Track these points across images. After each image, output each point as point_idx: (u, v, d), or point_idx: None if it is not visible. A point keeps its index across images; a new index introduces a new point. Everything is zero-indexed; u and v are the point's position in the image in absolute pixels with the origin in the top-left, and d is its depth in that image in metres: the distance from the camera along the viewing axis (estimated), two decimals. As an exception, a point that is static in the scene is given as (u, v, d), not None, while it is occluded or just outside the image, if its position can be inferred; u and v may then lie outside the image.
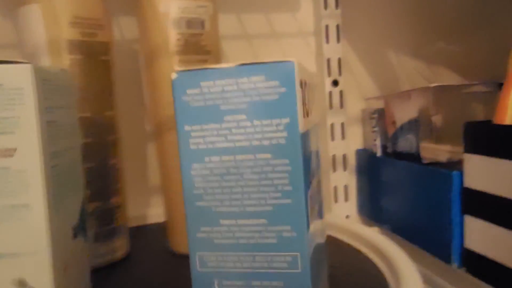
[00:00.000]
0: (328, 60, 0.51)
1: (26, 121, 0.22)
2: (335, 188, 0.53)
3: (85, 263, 0.28)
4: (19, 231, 0.23)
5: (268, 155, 0.18)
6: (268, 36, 0.52)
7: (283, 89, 0.18)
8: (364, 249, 0.34)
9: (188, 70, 0.19)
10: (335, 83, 0.51)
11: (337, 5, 0.50)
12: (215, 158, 0.19)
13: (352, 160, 0.56)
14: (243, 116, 0.19)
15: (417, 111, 0.43)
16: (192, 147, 0.19)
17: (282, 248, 0.18)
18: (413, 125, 0.44)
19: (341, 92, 0.51)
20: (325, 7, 0.50)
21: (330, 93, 0.51)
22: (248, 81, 0.18)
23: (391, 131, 0.48)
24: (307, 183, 0.19)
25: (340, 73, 0.51)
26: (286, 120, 0.18)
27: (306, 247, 0.18)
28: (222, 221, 0.19)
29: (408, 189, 0.44)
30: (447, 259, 0.37)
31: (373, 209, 0.52)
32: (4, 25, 0.43)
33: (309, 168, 0.20)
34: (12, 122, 0.23)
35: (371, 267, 0.30)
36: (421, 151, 0.42)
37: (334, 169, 0.53)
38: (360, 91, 0.55)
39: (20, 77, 0.22)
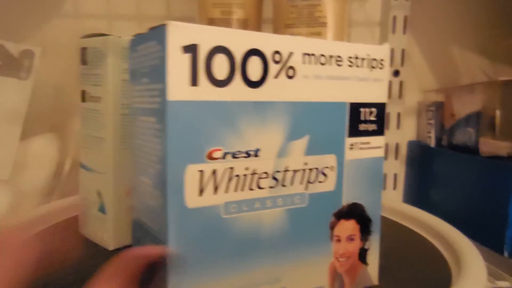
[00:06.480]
0: (392, 50, 0.52)
1: (107, 78, 0.28)
2: (385, 176, 0.55)
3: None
4: (98, 155, 0.29)
5: (153, 119, 0.18)
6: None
7: (162, 53, 0.17)
8: (424, 233, 0.35)
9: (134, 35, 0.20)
10: (396, 73, 0.52)
11: (405, -3, 0.51)
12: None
13: (403, 151, 0.57)
14: (146, 80, 0.18)
15: (480, 105, 0.44)
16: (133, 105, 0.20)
17: None
18: (474, 118, 0.44)
19: (401, 83, 0.53)
20: (394, -2, 0.51)
21: (390, 82, 0.52)
22: (147, 47, 0.18)
23: (448, 123, 0.49)
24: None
25: (402, 64, 0.52)
26: (159, 86, 0.17)
27: None
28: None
29: (463, 180, 0.45)
30: (498, 249, 0.38)
31: (420, 199, 0.53)
32: None
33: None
34: (100, 77, 0.28)
35: (431, 249, 0.32)
36: (480, 144, 0.43)
37: (386, 158, 0.54)
38: (419, 83, 0.56)
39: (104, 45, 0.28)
